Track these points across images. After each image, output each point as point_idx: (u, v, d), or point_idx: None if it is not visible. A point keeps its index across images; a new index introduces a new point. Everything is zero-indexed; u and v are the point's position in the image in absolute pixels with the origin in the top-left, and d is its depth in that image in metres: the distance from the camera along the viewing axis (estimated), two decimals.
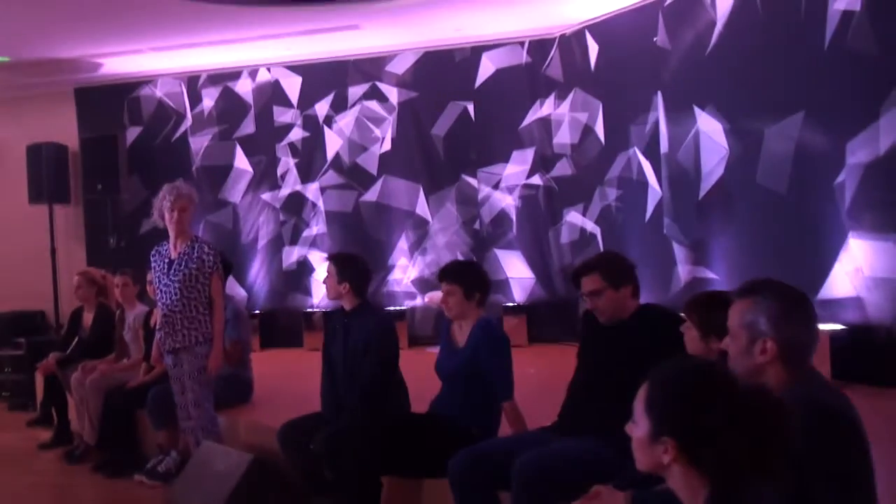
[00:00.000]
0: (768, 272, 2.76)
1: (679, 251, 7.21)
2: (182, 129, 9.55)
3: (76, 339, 7.07)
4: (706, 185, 6.90)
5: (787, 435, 1.69)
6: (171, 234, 5.14)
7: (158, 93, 9.63)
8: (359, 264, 4.64)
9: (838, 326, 5.73)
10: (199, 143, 9.52)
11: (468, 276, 4.16)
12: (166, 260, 5.15)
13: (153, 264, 5.25)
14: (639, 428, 1.81)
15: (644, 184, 7.62)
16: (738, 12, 6.56)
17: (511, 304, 8.58)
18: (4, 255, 9.50)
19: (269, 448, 4.84)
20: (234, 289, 8.97)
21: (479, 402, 4.06)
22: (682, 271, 7.17)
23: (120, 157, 9.20)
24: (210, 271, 5.08)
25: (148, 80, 9.60)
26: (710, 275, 6.85)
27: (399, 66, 9.01)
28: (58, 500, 5.73)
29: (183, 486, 4.90)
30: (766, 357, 2.22)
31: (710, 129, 6.82)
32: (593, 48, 8.12)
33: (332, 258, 4.67)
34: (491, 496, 3.42)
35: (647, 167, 7.58)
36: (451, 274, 4.17)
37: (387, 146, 9.03)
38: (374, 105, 9.07)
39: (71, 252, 9.17)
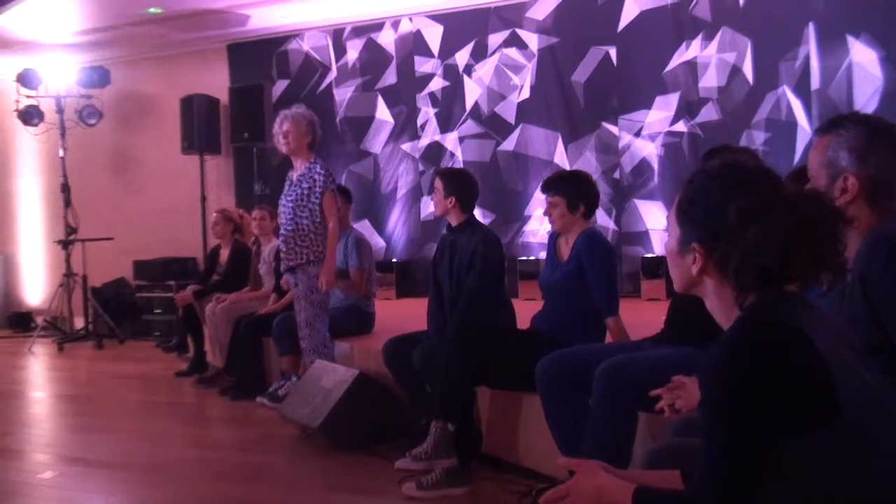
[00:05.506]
0: None
1: None
2: (327, 81, 9.70)
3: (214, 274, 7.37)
4: None
5: (826, 236, 1.46)
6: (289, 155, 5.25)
7: (305, 46, 9.80)
8: (466, 179, 4.54)
9: None
10: (343, 95, 9.63)
11: (572, 188, 3.96)
12: (288, 182, 5.27)
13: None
14: (670, 239, 1.63)
15: (793, 125, 7.13)
16: None
17: (650, 256, 8.25)
18: (159, 204, 9.96)
19: (378, 370, 4.84)
20: (373, 237, 9.06)
21: (580, 319, 3.88)
22: None
23: (266, 107, 9.41)
24: (321, 189, 5.12)
25: (295, 34, 9.79)
26: None
27: (540, 12, 8.79)
28: (186, 415, 5.97)
29: (293, 400, 4.97)
30: (848, 196, 1.93)
31: (863, 59, 6.29)
32: None
33: (439, 173, 4.58)
34: (577, 399, 3.24)
35: (796, 106, 7.09)
36: (554, 185, 3.99)
37: (525, 94, 8.84)
38: (513, 52, 8.90)
39: (221, 200, 9.48)
